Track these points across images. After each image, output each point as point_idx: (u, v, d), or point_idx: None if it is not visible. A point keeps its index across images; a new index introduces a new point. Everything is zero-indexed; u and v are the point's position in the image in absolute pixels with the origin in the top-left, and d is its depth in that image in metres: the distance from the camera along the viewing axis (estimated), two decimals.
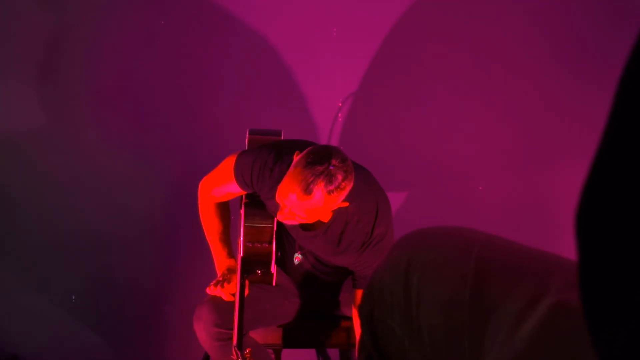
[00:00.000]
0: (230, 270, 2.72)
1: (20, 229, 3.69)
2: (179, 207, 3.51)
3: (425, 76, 3.30)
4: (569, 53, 3.18)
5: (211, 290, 2.68)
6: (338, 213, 2.57)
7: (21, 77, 3.67)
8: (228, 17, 3.49)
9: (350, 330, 2.79)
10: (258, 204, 2.70)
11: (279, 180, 2.50)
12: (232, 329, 2.61)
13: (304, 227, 2.64)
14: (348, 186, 2.44)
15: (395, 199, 3.27)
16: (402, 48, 3.30)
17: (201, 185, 2.83)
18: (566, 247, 1.21)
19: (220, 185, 2.80)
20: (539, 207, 3.18)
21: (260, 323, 2.74)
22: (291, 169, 2.44)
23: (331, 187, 2.40)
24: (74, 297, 3.62)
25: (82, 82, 3.60)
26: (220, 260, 2.78)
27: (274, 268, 2.69)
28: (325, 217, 2.56)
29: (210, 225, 2.81)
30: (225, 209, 2.83)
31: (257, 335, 2.76)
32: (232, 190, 2.75)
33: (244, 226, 2.70)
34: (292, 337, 2.80)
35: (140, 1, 3.53)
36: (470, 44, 3.25)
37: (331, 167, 2.41)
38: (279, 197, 2.46)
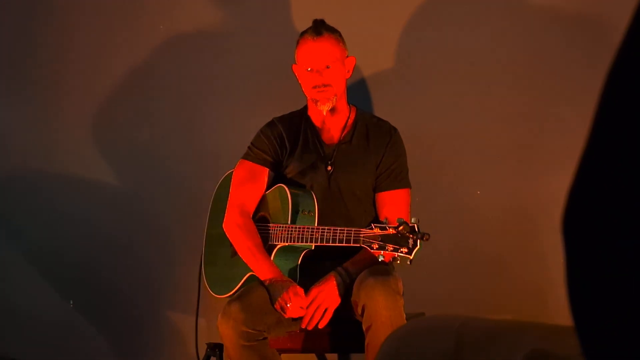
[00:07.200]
0: (279, 282, 2.68)
1: (20, 234, 3.69)
2: (179, 209, 3.50)
3: (423, 80, 3.30)
4: (570, 55, 3.18)
5: (290, 312, 2.62)
6: (360, 118, 2.89)
7: (20, 83, 3.67)
8: (226, 19, 3.49)
9: (351, 335, 2.75)
10: None
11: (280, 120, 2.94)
12: (260, 330, 2.61)
13: (340, 143, 2.87)
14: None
15: None
16: (400, 51, 3.30)
17: (226, 213, 2.88)
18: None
19: (238, 183, 2.86)
20: (537, 212, 3.17)
21: (277, 329, 2.70)
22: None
23: (330, 29, 2.83)
24: (72, 302, 3.62)
25: (82, 85, 3.60)
26: (264, 270, 2.73)
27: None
28: (340, 77, 2.82)
29: (243, 245, 2.79)
30: (254, 231, 2.82)
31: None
32: (255, 176, 2.85)
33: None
34: (294, 343, 2.78)
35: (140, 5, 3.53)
36: (468, 51, 3.25)
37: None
38: (303, 68, 2.81)
